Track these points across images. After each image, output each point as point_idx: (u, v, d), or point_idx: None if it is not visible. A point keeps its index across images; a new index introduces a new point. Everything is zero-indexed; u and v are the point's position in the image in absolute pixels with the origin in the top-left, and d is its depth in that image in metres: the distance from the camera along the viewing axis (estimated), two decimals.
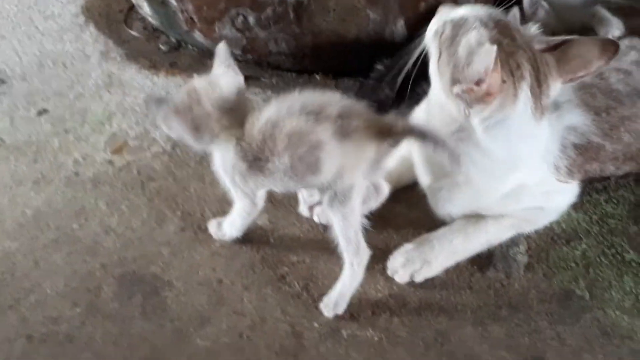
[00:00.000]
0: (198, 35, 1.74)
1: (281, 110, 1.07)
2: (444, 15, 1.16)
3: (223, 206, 1.31)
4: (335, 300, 1.18)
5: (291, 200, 1.37)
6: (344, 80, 1.70)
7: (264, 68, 1.76)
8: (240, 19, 1.61)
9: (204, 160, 1.44)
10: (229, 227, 1.28)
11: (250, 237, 1.31)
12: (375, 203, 1.27)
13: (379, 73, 1.54)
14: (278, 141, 1.06)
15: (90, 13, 2.03)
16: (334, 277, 1.21)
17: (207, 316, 1.19)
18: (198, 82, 1.13)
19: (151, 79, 1.75)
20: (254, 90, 1.69)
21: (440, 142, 1.03)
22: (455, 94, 1.07)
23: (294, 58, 1.69)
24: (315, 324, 1.18)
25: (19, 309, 1.21)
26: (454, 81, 1.06)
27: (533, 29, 1.15)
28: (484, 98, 1.04)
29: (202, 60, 1.80)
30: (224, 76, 1.14)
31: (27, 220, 1.37)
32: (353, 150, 1.06)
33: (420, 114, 1.28)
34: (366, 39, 1.61)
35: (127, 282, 1.25)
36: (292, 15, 1.56)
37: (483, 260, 1.27)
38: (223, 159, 1.14)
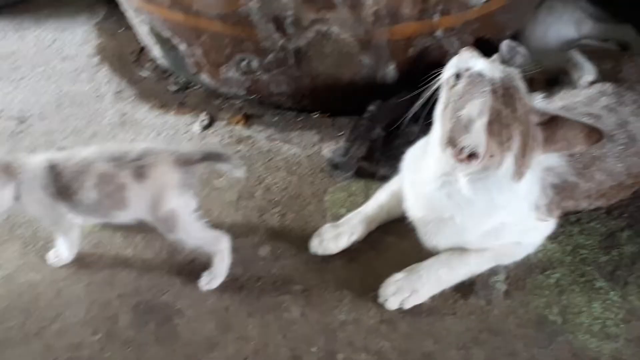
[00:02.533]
0: (205, 77, 1.88)
1: (94, 155, 1.29)
2: (463, 61, 1.21)
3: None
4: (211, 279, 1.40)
5: (301, 232, 1.51)
6: (340, 119, 1.83)
7: (266, 107, 1.89)
8: (244, 63, 1.73)
9: None
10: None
11: (253, 268, 1.44)
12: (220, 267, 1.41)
13: (371, 113, 1.67)
14: (88, 178, 1.27)
15: (104, 54, 2.17)
16: (329, 299, 1.36)
17: (215, 342, 1.31)
18: None
19: (162, 118, 1.88)
20: (257, 128, 1.82)
21: (225, 157, 1.31)
22: (445, 149, 1.18)
23: (293, 98, 1.82)
24: (313, 349, 1.30)
25: (43, 337, 1.33)
26: (450, 140, 1.16)
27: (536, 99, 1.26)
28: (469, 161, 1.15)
29: (209, 100, 1.93)
30: None
31: None
32: (155, 185, 1.27)
33: (416, 151, 1.38)
34: (360, 82, 1.73)
35: (141, 310, 1.37)
36: (292, 60, 1.68)
37: (466, 288, 1.39)
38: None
